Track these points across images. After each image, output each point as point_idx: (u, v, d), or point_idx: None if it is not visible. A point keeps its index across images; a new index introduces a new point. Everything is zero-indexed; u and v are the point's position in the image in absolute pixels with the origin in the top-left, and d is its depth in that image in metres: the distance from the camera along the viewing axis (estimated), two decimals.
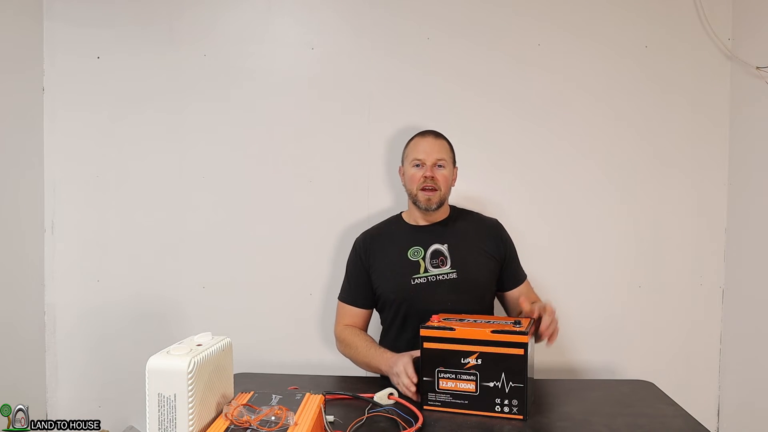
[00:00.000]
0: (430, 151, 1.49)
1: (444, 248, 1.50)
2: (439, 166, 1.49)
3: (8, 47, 1.71)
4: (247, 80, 1.85)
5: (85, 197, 1.87)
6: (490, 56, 1.84)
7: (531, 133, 1.85)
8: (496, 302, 1.61)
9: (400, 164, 1.60)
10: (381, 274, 1.52)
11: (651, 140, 1.86)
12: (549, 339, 1.25)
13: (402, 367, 1.28)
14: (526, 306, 1.28)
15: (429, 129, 1.57)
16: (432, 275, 1.47)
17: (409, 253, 1.50)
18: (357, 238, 1.61)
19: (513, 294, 1.55)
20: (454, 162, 1.56)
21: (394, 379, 1.32)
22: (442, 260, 1.48)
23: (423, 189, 1.47)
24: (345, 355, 1.55)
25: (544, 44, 1.84)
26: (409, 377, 1.26)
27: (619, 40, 1.85)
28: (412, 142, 1.55)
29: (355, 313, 1.57)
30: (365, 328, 1.60)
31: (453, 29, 1.84)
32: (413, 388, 1.25)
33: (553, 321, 1.25)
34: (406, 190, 1.55)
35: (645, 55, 1.85)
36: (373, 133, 1.85)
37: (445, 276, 1.47)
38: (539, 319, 1.25)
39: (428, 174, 1.47)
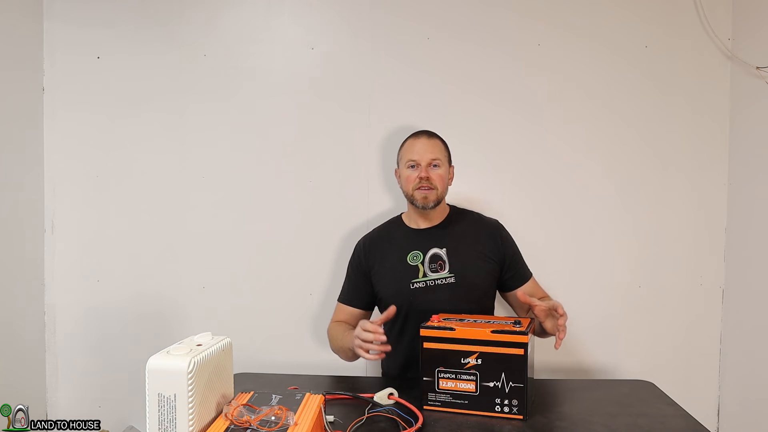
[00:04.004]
0: (424, 151, 1.49)
1: (442, 252, 1.50)
2: (434, 165, 1.49)
3: (8, 47, 1.71)
4: (247, 80, 1.85)
5: (85, 197, 1.87)
6: (490, 56, 1.84)
7: (530, 133, 1.85)
8: (503, 303, 1.62)
9: (396, 167, 1.60)
10: (381, 277, 1.53)
11: (651, 140, 1.86)
12: (558, 338, 1.24)
13: (359, 329, 1.28)
14: (528, 300, 1.28)
15: (422, 129, 1.57)
16: (431, 279, 1.47)
17: (409, 257, 1.50)
18: (358, 242, 1.61)
19: (518, 293, 1.55)
20: (450, 160, 1.56)
21: (356, 343, 1.30)
22: (440, 264, 1.48)
23: (419, 189, 1.48)
24: (333, 351, 1.55)
25: (544, 44, 1.85)
26: (368, 330, 1.26)
27: (619, 40, 1.85)
28: (406, 143, 1.55)
29: (349, 311, 1.58)
30: None
31: (453, 29, 1.84)
32: (381, 337, 1.24)
33: (564, 319, 1.24)
34: (403, 192, 1.55)
35: (645, 55, 1.85)
36: (373, 133, 1.85)
37: (444, 280, 1.47)
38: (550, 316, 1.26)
39: (423, 174, 1.47)
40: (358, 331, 1.30)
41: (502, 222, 1.61)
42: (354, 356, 1.42)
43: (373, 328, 1.26)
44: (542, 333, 1.38)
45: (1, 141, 1.68)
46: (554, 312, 1.26)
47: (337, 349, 1.53)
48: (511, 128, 1.85)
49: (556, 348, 1.25)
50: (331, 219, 1.86)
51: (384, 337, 1.25)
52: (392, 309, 1.31)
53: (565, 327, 1.24)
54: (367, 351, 1.28)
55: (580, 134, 1.86)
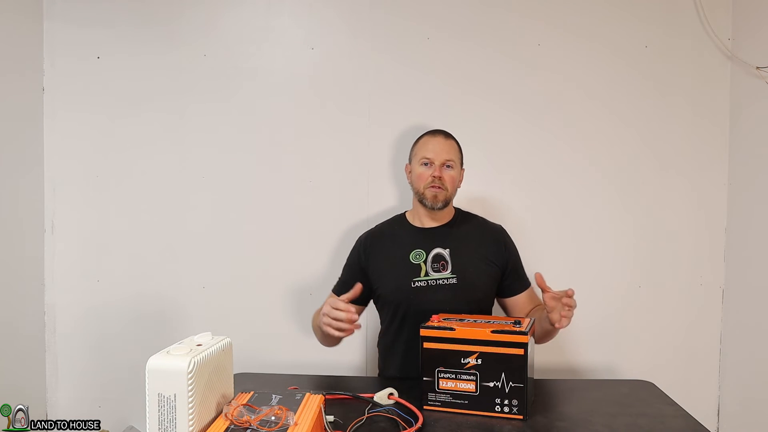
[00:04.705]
0: (440, 151, 1.49)
1: (446, 253, 1.49)
2: (447, 166, 1.49)
3: (8, 47, 1.71)
4: (247, 80, 1.85)
5: (85, 197, 1.87)
6: (489, 56, 1.84)
7: (530, 134, 1.85)
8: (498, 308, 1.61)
9: (408, 162, 1.60)
10: (382, 274, 1.52)
11: (651, 140, 1.86)
12: (560, 321, 1.23)
13: (328, 307, 1.27)
14: (543, 285, 1.28)
15: (439, 128, 1.57)
16: (432, 279, 1.47)
17: (411, 255, 1.50)
18: (359, 237, 1.61)
19: (515, 301, 1.54)
20: (462, 163, 1.57)
21: (324, 320, 1.28)
22: (443, 264, 1.48)
23: (430, 187, 1.48)
24: (316, 337, 1.54)
25: (544, 44, 1.85)
26: (339, 308, 1.24)
27: (619, 40, 1.85)
28: (422, 140, 1.55)
29: None
30: None
31: (453, 29, 1.84)
32: (353, 316, 1.23)
33: (571, 302, 1.22)
34: (413, 188, 1.54)
35: (645, 56, 1.85)
36: (373, 133, 1.85)
37: (446, 281, 1.47)
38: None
39: (436, 174, 1.47)
40: (327, 309, 1.28)
41: (502, 222, 1.61)
42: (324, 337, 1.41)
43: (345, 307, 1.25)
44: (542, 338, 1.38)
45: (1, 141, 1.68)
46: (563, 298, 1.23)
47: (315, 334, 1.53)
48: (511, 128, 1.85)
49: (556, 326, 1.24)
50: (330, 219, 1.86)
51: (356, 317, 1.24)
52: (358, 286, 1.33)
53: (571, 311, 1.23)
54: (337, 329, 1.26)
55: (580, 134, 1.86)
